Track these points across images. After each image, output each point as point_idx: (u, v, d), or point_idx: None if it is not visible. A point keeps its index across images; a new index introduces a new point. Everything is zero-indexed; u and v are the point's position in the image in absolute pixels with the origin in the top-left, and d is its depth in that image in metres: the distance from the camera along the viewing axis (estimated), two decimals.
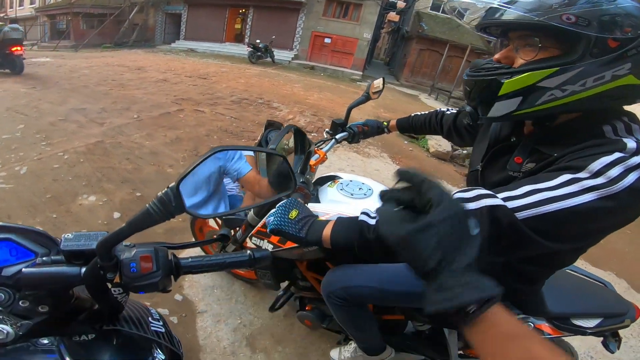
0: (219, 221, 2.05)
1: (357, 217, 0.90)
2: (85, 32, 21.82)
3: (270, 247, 1.45)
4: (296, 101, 9.09)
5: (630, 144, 0.73)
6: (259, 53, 17.55)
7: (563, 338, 1.49)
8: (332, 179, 1.55)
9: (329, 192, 1.46)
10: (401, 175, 0.58)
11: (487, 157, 1.06)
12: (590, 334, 1.28)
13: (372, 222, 0.86)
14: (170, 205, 0.57)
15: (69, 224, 2.80)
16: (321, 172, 1.71)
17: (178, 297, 2.28)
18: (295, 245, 1.33)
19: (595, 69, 0.73)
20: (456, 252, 0.50)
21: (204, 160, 0.62)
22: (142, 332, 0.84)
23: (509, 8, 0.76)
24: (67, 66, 11.04)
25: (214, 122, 6.04)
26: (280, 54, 19.55)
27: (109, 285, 0.68)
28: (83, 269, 0.63)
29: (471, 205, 0.73)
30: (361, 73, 19.75)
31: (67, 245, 0.64)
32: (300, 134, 1.48)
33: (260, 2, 20.91)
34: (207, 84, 9.64)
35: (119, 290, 0.71)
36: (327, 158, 1.63)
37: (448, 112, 1.62)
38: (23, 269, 0.61)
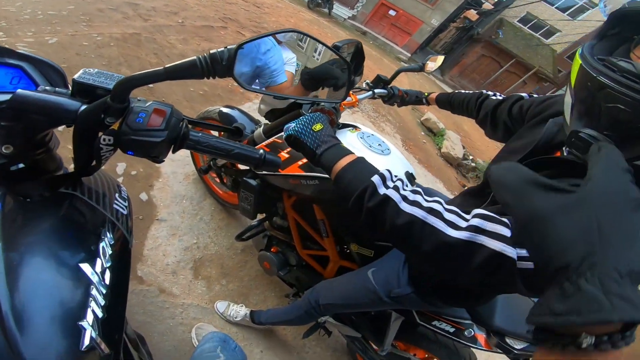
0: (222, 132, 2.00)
1: (376, 171, 0.75)
2: None
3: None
4: None
5: None
6: (319, 1, 16.92)
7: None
8: (354, 127, 1.48)
9: (348, 136, 1.38)
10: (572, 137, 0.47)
11: (527, 163, 0.81)
12: (514, 356, 1.28)
13: (382, 190, 0.71)
14: (220, 64, 0.56)
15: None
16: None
17: (143, 196, 2.19)
18: (295, 174, 1.32)
19: None
20: (617, 249, 0.36)
21: (276, 32, 0.63)
22: (100, 206, 0.76)
23: None
24: None
25: None
26: (339, 9, 18.95)
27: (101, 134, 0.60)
28: (84, 107, 0.57)
29: (481, 239, 0.60)
30: (409, 55, 19.11)
31: (84, 77, 0.59)
32: (360, 55, 1.40)
33: None
34: (258, 13, 9.44)
35: (109, 140, 0.60)
36: (357, 105, 1.57)
37: (492, 97, 1.43)
38: (19, 90, 0.54)
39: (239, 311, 1.90)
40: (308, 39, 1.08)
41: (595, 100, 0.63)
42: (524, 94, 1.25)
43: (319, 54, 1.35)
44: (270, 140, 1.44)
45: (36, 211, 0.66)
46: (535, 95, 1.19)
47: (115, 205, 0.80)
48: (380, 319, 1.57)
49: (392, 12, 20.07)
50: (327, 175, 0.95)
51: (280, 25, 9.12)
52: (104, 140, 0.59)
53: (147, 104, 0.59)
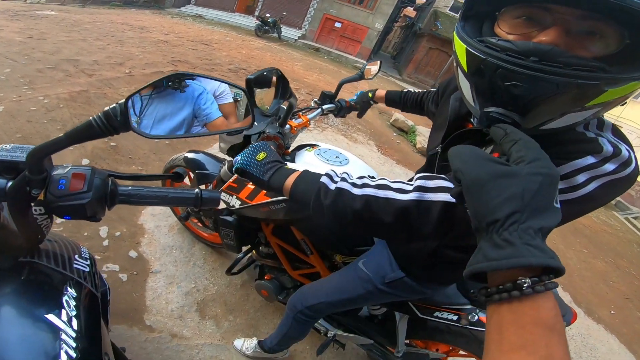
0: (192, 175, 2.00)
1: (320, 176, 0.85)
2: None
3: (238, 203, 1.46)
4: (294, 78, 8.99)
5: (607, 147, 0.66)
6: (266, 27, 17.27)
7: None
8: (311, 146, 1.55)
9: (305, 155, 1.46)
10: (494, 131, 0.57)
11: (448, 140, 0.95)
12: None
13: (332, 186, 0.81)
14: (115, 120, 0.56)
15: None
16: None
17: (132, 253, 2.21)
18: (263, 202, 1.37)
19: None
20: (534, 212, 0.45)
21: (158, 81, 0.64)
22: (59, 267, 0.80)
23: None
24: (70, 20, 10.65)
25: None
26: (287, 31, 19.28)
27: (32, 205, 0.64)
28: (9, 183, 0.60)
29: (429, 196, 0.72)
30: (365, 62, 19.42)
31: (2, 155, 0.61)
32: (283, 80, 1.42)
33: None
34: (207, 50, 9.46)
35: (40, 210, 0.65)
36: (310, 125, 1.62)
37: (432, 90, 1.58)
38: None
39: (251, 343, 1.89)
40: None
41: (493, 80, 0.66)
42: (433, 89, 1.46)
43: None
44: (235, 176, 1.46)
45: None
46: None
47: (76, 265, 0.85)
48: (387, 322, 1.65)
49: (338, 24, 20.62)
50: None
51: (233, 59, 9.15)
52: (36, 210, 0.65)
53: (66, 170, 0.62)
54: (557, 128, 0.68)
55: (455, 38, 0.73)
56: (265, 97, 1.31)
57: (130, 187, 0.68)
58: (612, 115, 12.61)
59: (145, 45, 8.17)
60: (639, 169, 0.68)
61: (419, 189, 0.74)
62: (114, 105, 0.57)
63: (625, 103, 0.67)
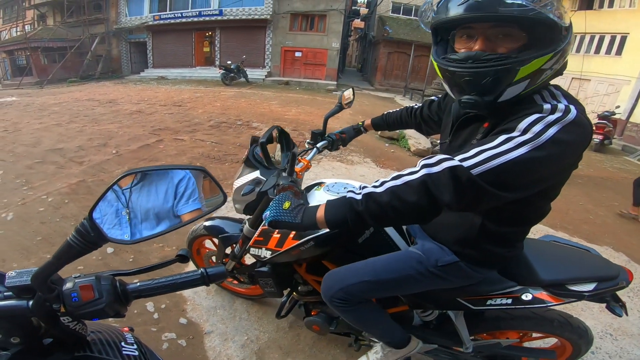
0: (216, 241, 2.09)
1: (345, 196, 1.03)
2: (48, 66, 21.30)
3: (268, 253, 1.55)
4: (275, 118, 9.15)
5: (546, 106, 0.95)
6: (232, 74, 17.54)
7: (577, 317, 1.58)
8: (318, 184, 1.65)
9: (317, 195, 1.56)
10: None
11: (453, 130, 1.27)
12: (589, 297, 1.33)
13: (359, 196, 0.99)
14: (89, 235, 0.61)
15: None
16: (307, 183, 1.78)
17: (182, 320, 2.31)
18: (292, 245, 1.46)
19: (565, 51, 0.97)
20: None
21: (113, 185, 0.69)
22: (111, 356, 0.86)
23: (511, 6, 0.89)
24: (36, 104, 10.85)
25: (194, 149, 6.01)
26: (253, 73, 19.65)
27: (59, 315, 0.70)
28: (31, 302, 0.65)
29: (435, 169, 0.92)
30: (335, 82, 20.09)
31: (11, 282, 0.67)
32: (284, 134, 1.60)
33: (225, 23, 21.12)
34: (182, 111, 9.59)
35: (68, 319, 0.71)
36: (311, 165, 1.72)
37: (416, 107, 1.83)
38: None
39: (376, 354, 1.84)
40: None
41: (455, 79, 1.04)
42: (433, 97, 1.72)
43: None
44: (259, 230, 1.59)
45: None
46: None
47: (125, 351, 0.89)
48: (443, 324, 1.66)
49: (298, 54, 21.16)
50: (316, 234, 1.39)
51: (211, 114, 9.27)
52: (65, 320, 0.70)
53: (73, 284, 0.67)
54: (510, 99, 0.99)
55: (431, 59, 1.12)
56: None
57: (138, 283, 0.74)
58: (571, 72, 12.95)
59: (121, 120, 8.27)
60: (584, 115, 0.94)
61: (425, 166, 0.94)
62: (82, 221, 0.61)
63: (561, 74, 1.05)
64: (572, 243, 1.63)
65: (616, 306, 1.37)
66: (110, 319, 0.73)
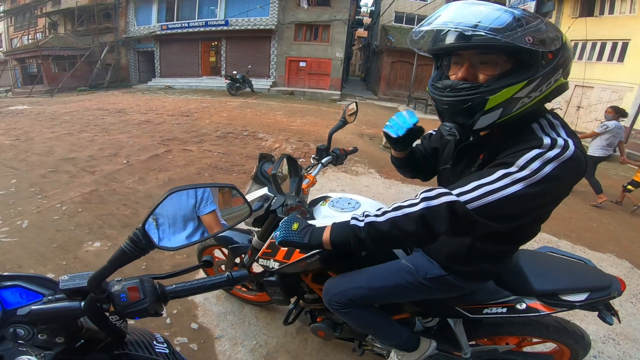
0: (225, 251, 2.18)
1: (349, 221, 1.12)
2: (58, 75, 21.51)
3: (276, 265, 1.63)
4: (280, 129, 9.28)
5: (546, 140, 0.96)
6: (238, 84, 17.75)
7: (575, 322, 1.65)
8: (323, 199, 1.74)
9: (322, 210, 1.65)
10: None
11: (454, 154, 1.29)
12: (581, 307, 1.40)
13: (361, 224, 1.08)
14: (140, 243, 0.70)
15: (79, 269, 2.88)
16: (313, 194, 1.88)
17: (194, 325, 2.40)
18: (299, 258, 1.53)
19: (547, 77, 0.96)
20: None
21: (161, 202, 0.77)
22: (147, 354, 0.95)
23: (480, 33, 0.91)
24: (46, 113, 11.10)
25: (202, 159, 6.14)
26: (258, 83, 19.93)
27: (107, 314, 0.78)
28: (82, 303, 0.73)
29: (434, 203, 0.98)
30: (339, 92, 20.21)
31: (65, 284, 0.74)
32: (292, 160, 1.71)
33: (231, 34, 21.36)
34: (190, 122, 9.76)
35: (116, 317, 0.81)
36: (316, 181, 1.82)
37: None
38: (32, 307, 0.71)
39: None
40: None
41: (437, 106, 1.12)
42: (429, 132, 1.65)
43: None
44: (268, 242, 1.67)
45: None
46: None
47: (158, 349, 0.99)
48: (443, 329, 1.70)
49: (302, 64, 21.37)
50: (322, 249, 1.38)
51: (217, 125, 9.41)
52: (112, 318, 0.80)
53: (122, 286, 0.76)
54: (481, 128, 1.04)
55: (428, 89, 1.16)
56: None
57: (174, 285, 0.84)
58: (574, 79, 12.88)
59: (130, 130, 8.46)
60: (580, 149, 0.96)
61: (424, 199, 1.00)
62: (135, 230, 0.69)
63: (559, 94, 1.04)
64: (569, 254, 1.70)
65: (607, 315, 1.43)
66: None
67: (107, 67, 23.04)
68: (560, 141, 0.95)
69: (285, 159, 1.65)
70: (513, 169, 0.95)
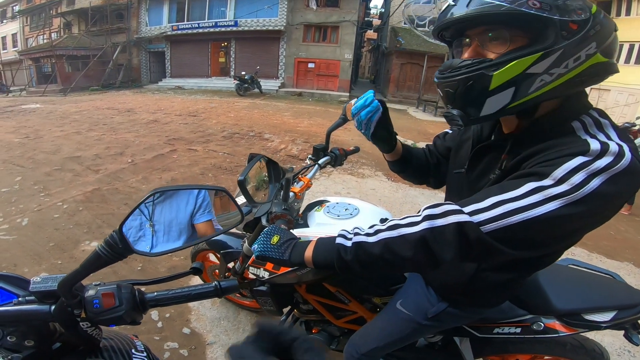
0: (219, 256, 2.11)
1: (335, 238, 0.92)
2: (71, 74, 21.75)
3: (266, 274, 1.52)
4: (287, 130, 9.23)
5: (594, 145, 0.72)
6: (246, 85, 17.78)
7: (589, 336, 1.48)
8: (320, 203, 1.62)
9: (316, 216, 1.53)
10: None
11: (471, 156, 1.05)
12: (607, 327, 1.25)
13: (349, 243, 0.88)
14: (117, 247, 0.64)
15: (74, 268, 2.83)
16: (316, 196, 1.78)
17: (186, 330, 2.33)
18: (289, 270, 1.41)
19: (572, 50, 0.74)
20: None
21: (142, 202, 0.72)
22: None
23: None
24: (58, 112, 11.21)
25: (207, 159, 6.10)
26: (267, 84, 19.91)
27: (79, 320, 0.73)
28: (53, 307, 0.69)
29: (439, 222, 0.79)
30: (348, 94, 20.10)
31: (35, 287, 0.70)
32: (272, 164, 1.51)
33: (240, 34, 21.41)
34: (197, 122, 9.77)
35: (87, 324, 0.74)
36: (311, 184, 1.65)
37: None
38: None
39: None
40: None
41: (440, 92, 0.91)
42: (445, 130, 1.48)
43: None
44: None
45: None
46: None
47: (135, 358, 0.91)
48: (448, 345, 1.57)
49: (311, 65, 21.32)
50: None
51: (224, 125, 9.40)
52: (84, 325, 0.73)
53: (96, 292, 0.70)
54: (491, 115, 0.83)
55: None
56: (257, 179, 1.45)
57: (156, 293, 0.77)
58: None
59: (138, 129, 8.49)
60: (638, 158, 0.72)
61: (428, 217, 0.80)
62: (112, 233, 0.64)
63: (596, 82, 0.83)
64: (594, 267, 1.54)
65: (634, 334, 1.29)
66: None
67: (119, 67, 23.31)
68: (613, 147, 0.71)
69: (260, 162, 1.47)
70: (547, 181, 0.72)
